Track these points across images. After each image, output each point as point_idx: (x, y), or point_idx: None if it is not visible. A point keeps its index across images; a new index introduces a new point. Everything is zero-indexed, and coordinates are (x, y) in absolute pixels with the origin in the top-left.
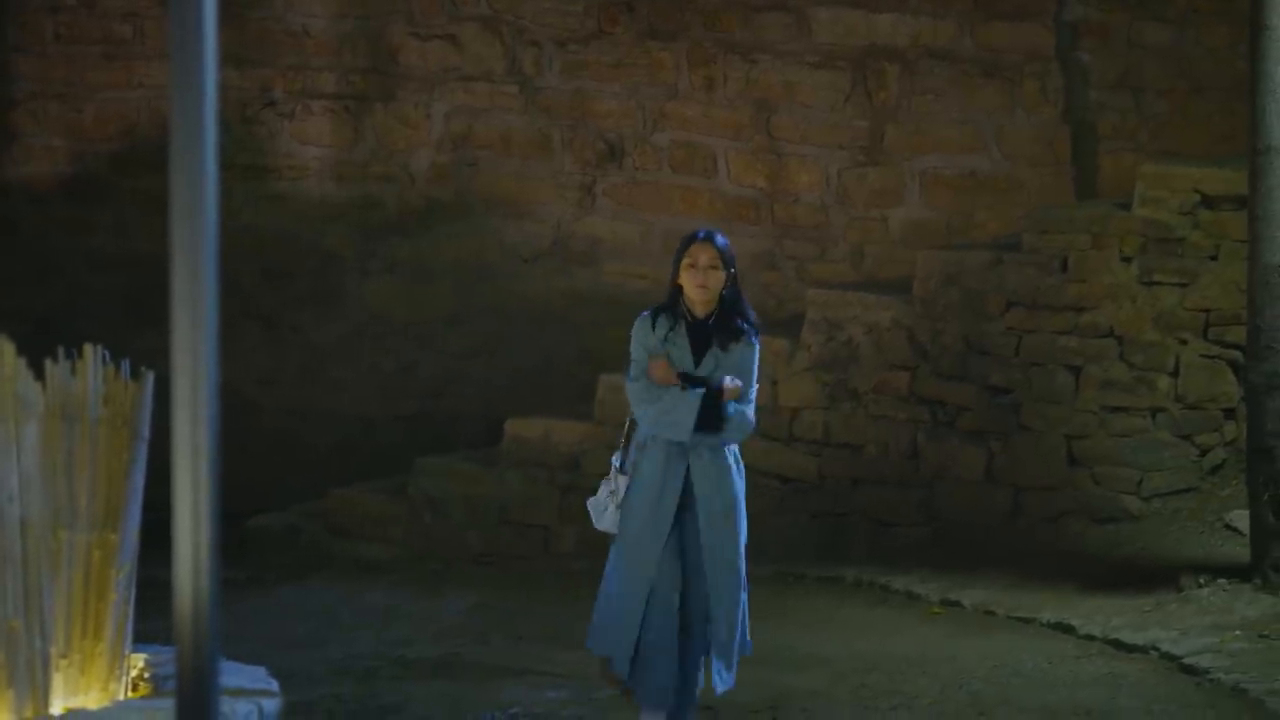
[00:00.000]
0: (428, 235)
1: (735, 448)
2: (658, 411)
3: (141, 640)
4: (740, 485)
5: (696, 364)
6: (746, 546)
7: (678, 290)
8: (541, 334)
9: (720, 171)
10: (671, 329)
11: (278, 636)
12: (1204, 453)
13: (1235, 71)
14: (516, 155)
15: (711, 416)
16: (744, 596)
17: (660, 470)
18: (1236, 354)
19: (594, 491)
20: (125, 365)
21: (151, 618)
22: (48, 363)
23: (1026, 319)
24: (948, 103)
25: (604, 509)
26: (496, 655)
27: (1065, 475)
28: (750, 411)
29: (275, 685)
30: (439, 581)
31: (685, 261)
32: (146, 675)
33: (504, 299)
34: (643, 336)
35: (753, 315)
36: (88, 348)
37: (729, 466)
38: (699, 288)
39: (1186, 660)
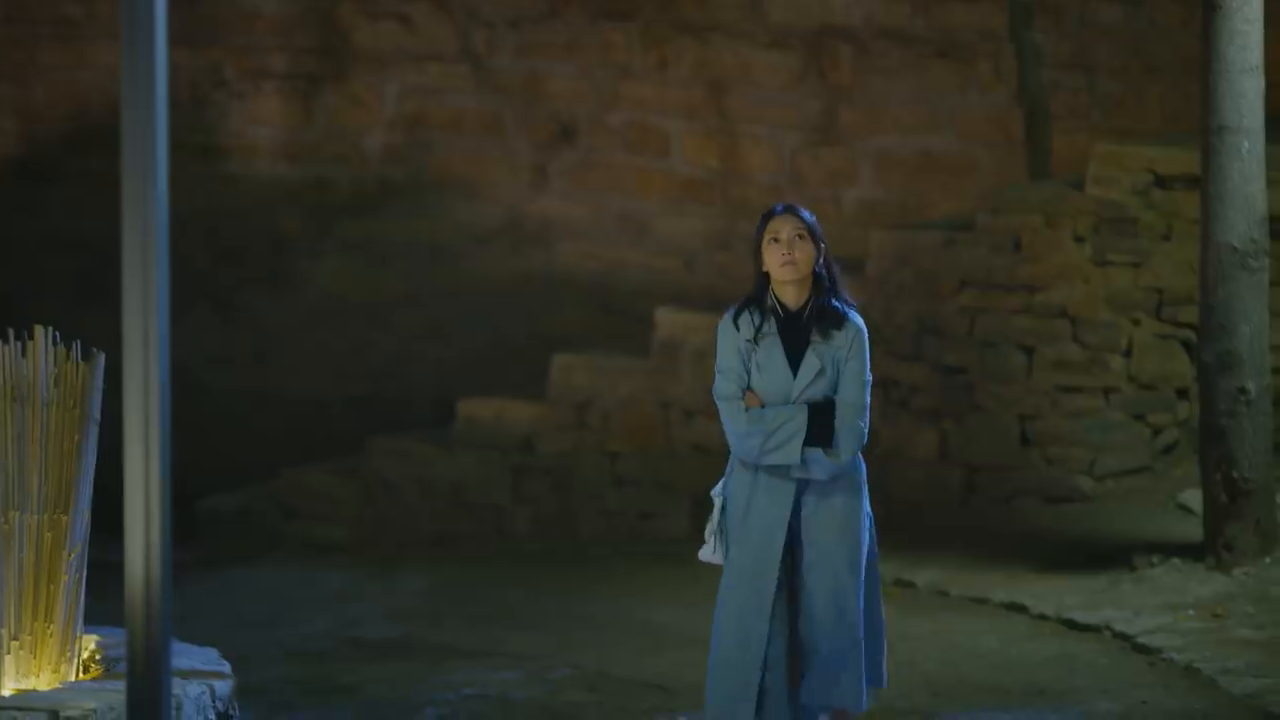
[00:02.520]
0: (380, 216)
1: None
2: (759, 439)
3: (93, 622)
4: (860, 505)
5: (794, 366)
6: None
7: (765, 280)
8: (495, 314)
9: (674, 152)
10: (759, 326)
11: (230, 618)
12: (1157, 432)
13: (1188, 51)
14: (469, 136)
15: (819, 434)
16: (862, 633)
17: (764, 494)
18: (1189, 334)
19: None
20: (77, 347)
21: (103, 599)
22: None
23: (979, 299)
24: (901, 83)
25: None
26: (449, 636)
27: (1018, 455)
28: (864, 419)
29: (227, 667)
30: (392, 562)
31: (766, 238)
32: (98, 657)
33: (457, 279)
34: (728, 338)
35: (848, 297)
36: (38, 329)
37: (843, 483)
38: (785, 264)
39: (1139, 640)
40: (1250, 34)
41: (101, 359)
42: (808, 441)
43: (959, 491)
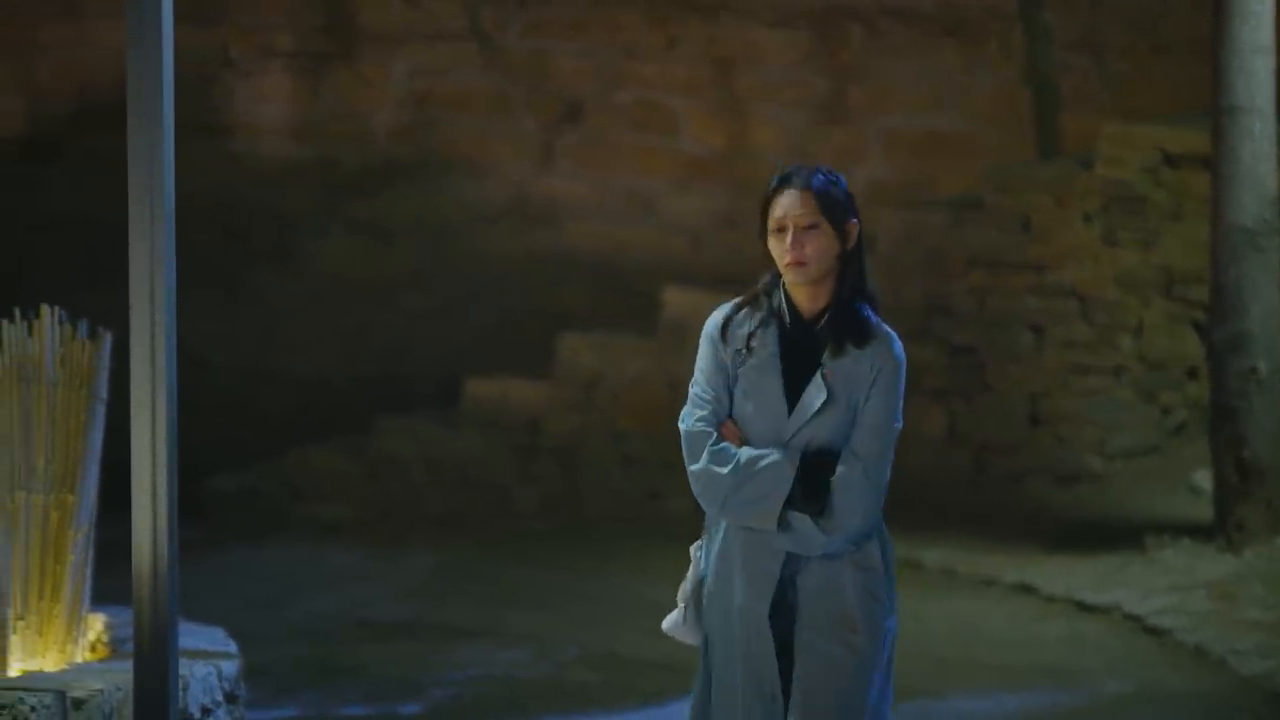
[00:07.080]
0: (387, 195)
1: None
2: (724, 487)
3: (104, 599)
4: (876, 592)
5: (794, 392)
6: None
7: (776, 275)
8: (501, 293)
9: (680, 130)
10: (754, 334)
11: (236, 598)
12: (1166, 412)
13: (1197, 31)
14: (476, 115)
15: (817, 495)
16: None
17: (737, 561)
18: (1199, 313)
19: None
20: (83, 326)
21: (114, 576)
22: (3, 323)
23: (988, 278)
24: (909, 62)
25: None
26: (455, 616)
27: (1028, 435)
28: (880, 479)
29: (234, 647)
30: (398, 542)
31: (771, 226)
32: (105, 637)
33: (463, 258)
34: (711, 348)
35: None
36: (44, 308)
37: (855, 559)
38: (794, 264)
39: (1149, 620)
40: (1262, 14)
41: (109, 338)
42: (800, 505)
43: (968, 471)
